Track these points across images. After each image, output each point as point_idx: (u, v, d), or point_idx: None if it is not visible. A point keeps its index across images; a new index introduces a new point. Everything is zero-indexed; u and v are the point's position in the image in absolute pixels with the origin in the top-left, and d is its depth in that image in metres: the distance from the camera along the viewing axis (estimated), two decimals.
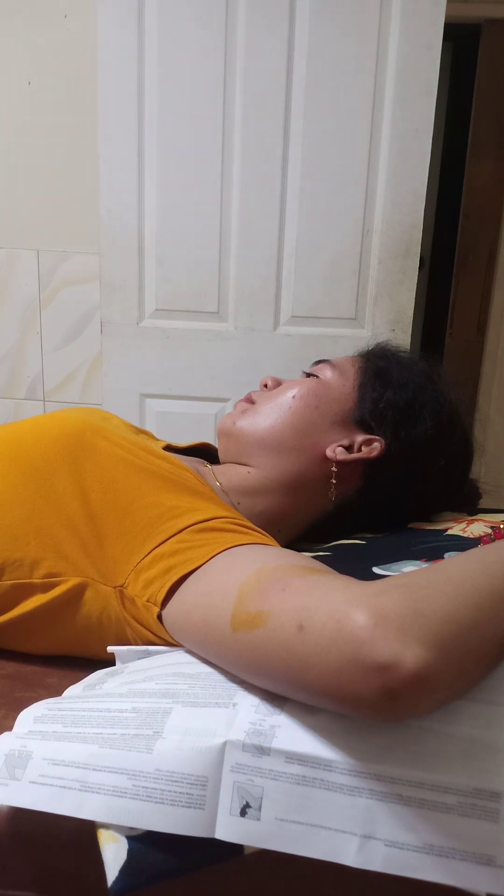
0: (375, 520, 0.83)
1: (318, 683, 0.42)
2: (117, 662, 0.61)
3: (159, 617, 0.58)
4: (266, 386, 0.85)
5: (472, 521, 0.78)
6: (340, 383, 0.81)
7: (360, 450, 0.78)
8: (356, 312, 1.56)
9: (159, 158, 1.50)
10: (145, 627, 0.61)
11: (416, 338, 2.38)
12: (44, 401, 1.92)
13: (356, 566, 0.66)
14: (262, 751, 0.43)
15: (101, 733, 0.47)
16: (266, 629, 0.47)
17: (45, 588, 0.64)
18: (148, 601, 0.59)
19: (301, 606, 0.46)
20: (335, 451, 0.78)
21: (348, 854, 0.41)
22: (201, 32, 1.43)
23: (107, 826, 0.43)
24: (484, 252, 2.06)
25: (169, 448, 0.85)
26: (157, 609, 0.58)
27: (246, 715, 0.46)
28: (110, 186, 1.52)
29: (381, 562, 0.68)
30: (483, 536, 0.73)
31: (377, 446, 0.78)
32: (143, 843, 0.43)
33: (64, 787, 0.44)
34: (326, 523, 0.82)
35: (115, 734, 0.46)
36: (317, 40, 1.42)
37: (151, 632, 0.61)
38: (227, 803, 0.42)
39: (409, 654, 0.39)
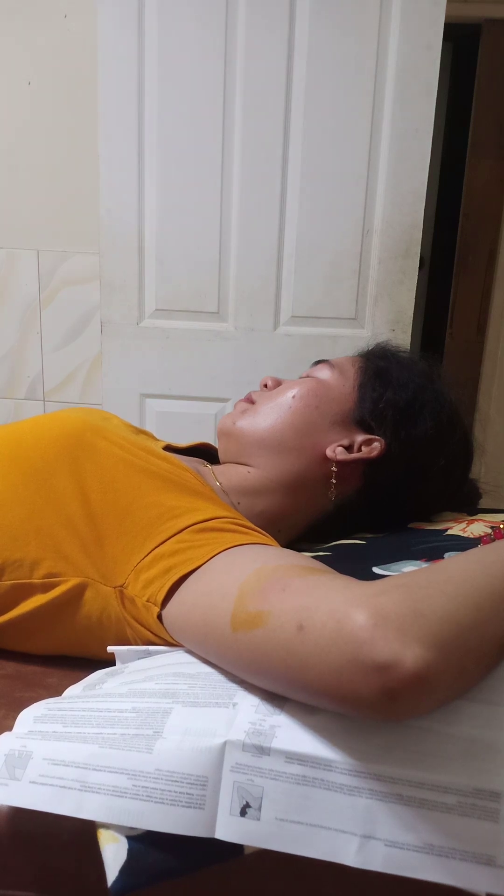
0: (375, 520, 0.83)
1: (318, 683, 0.42)
2: (117, 662, 0.61)
3: (159, 617, 0.58)
4: (266, 386, 0.85)
5: (472, 521, 0.78)
6: (340, 383, 0.81)
7: (360, 450, 0.78)
8: (356, 312, 1.56)
9: (159, 158, 1.50)
10: (145, 627, 0.61)
11: (416, 338, 2.38)
12: (44, 401, 1.92)
13: (356, 566, 0.66)
14: (262, 751, 0.43)
15: (101, 733, 0.47)
16: (266, 629, 0.47)
17: (45, 588, 0.64)
18: (148, 601, 0.59)
19: (301, 606, 0.46)
20: (335, 451, 0.78)
21: (348, 854, 0.41)
22: (201, 32, 1.43)
23: (107, 826, 0.43)
24: (484, 252, 2.06)
25: (169, 448, 0.85)
26: (157, 609, 0.58)
27: (246, 715, 0.46)
28: (110, 186, 1.52)
29: (381, 562, 0.68)
30: (483, 536, 0.73)
31: (377, 446, 0.78)
32: (143, 843, 0.43)
33: (64, 787, 0.44)
34: (326, 523, 0.82)
35: (115, 734, 0.46)
36: (317, 40, 1.42)
37: (151, 632, 0.61)
38: (227, 803, 0.42)
39: (409, 654, 0.39)
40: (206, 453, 0.90)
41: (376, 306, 1.55)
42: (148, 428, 1.64)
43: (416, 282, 1.54)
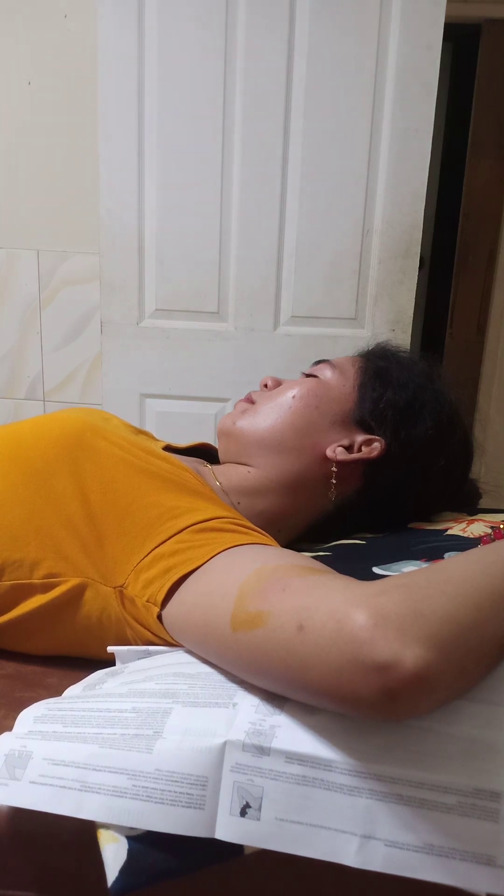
0: (375, 520, 0.83)
1: (318, 683, 0.42)
2: (117, 662, 0.61)
3: (159, 617, 0.58)
4: (266, 386, 0.85)
5: (472, 521, 0.78)
6: (340, 383, 0.81)
7: (360, 450, 0.78)
8: (356, 312, 1.56)
9: (159, 158, 1.50)
10: (145, 627, 0.61)
11: (416, 338, 2.38)
12: (44, 401, 1.92)
13: (356, 566, 0.66)
14: (262, 751, 0.43)
15: (101, 733, 0.47)
16: (266, 629, 0.47)
17: (45, 588, 0.64)
18: (148, 601, 0.59)
19: (301, 606, 0.46)
20: (335, 451, 0.78)
21: (348, 854, 0.41)
22: (201, 32, 1.43)
23: (107, 826, 0.43)
24: (484, 252, 2.06)
25: (169, 448, 0.85)
26: (156, 609, 0.58)
27: (246, 715, 0.46)
28: (110, 186, 1.52)
29: (381, 562, 0.68)
30: (483, 536, 0.73)
31: (377, 446, 0.78)
32: (143, 843, 0.43)
33: (64, 787, 0.44)
34: (326, 523, 0.82)
35: (115, 734, 0.46)
36: (317, 40, 1.42)
37: (151, 632, 0.61)
38: (227, 803, 0.42)
39: (409, 654, 0.39)
40: (205, 453, 0.90)
41: (376, 306, 1.55)
42: (148, 428, 1.64)
43: (416, 282, 1.54)
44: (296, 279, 1.55)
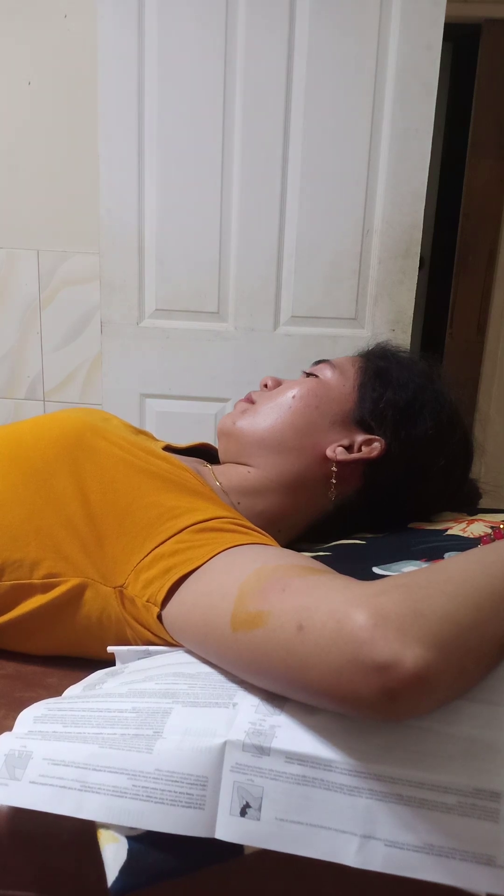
0: (375, 520, 0.83)
1: (318, 683, 0.42)
2: (117, 662, 0.61)
3: (159, 617, 0.58)
4: (266, 386, 0.85)
5: (472, 521, 0.78)
6: (340, 383, 0.81)
7: (360, 450, 0.78)
8: (356, 312, 1.56)
9: (159, 158, 1.50)
10: (145, 627, 0.61)
11: (416, 338, 2.38)
12: (44, 401, 1.92)
13: (356, 566, 0.66)
14: (262, 751, 0.43)
15: (101, 733, 0.47)
16: (266, 629, 0.47)
17: (45, 588, 0.64)
18: (148, 601, 0.59)
19: (301, 606, 0.46)
20: (335, 451, 0.78)
21: (348, 854, 0.41)
22: (201, 32, 1.43)
23: (107, 826, 0.43)
24: (484, 252, 2.06)
25: (168, 448, 0.85)
26: (156, 609, 0.58)
27: (246, 715, 0.46)
28: (110, 186, 1.52)
29: (381, 562, 0.68)
30: (483, 536, 0.73)
31: (377, 446, 0.78)
32: (143, 843, 0.43)
33: (64, 787, 0.44)
34: (326, 523, 0.82)
35: (115, 734, 0.46)
36: (317, 40, 1.42)
37: (151, 632, 0.61)
38: (227, 803, 0.42)
39: (409, 654, 0.39)
40: (205, 453, 0.90)
41: (376, 306, 1.55)
42: (148, 428, 1.64)
43: (416, 282, 1.54)
44: (296, 279, 1.55)
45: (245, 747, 0.43)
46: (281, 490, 0.79)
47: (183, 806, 0.42)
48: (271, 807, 0.42)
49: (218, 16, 1.42)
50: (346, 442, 0.78)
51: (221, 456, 0.85)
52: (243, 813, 0.42)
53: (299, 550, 0.70)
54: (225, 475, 0.80)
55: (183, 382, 1.62)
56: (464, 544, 0.71)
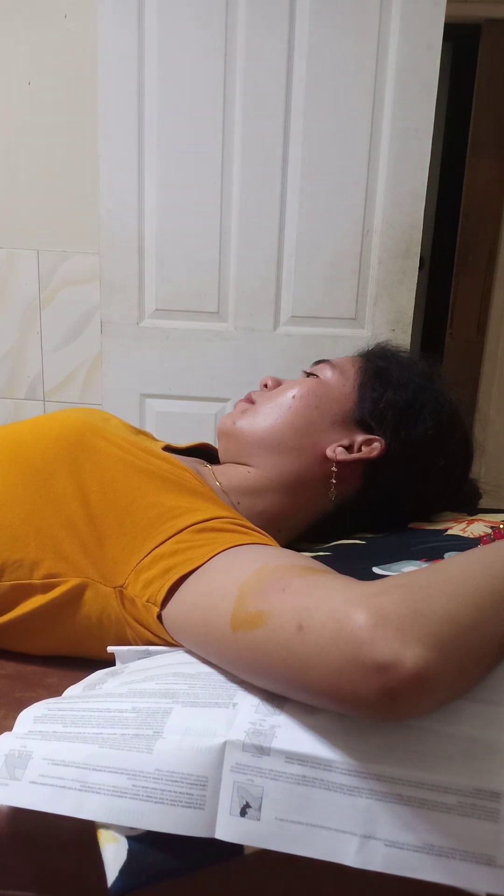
0: (375, 520, 0.83)
1: (318, 683, 0.42)
2: (117, 662, 0.61)
3: (159, 617, 0.58)
4: (266, 386, 0.85)
5: (472, 521, 0.78)
6: (340, 383, 0.81)
7: (360, 450, 0.78)
8: (356, 312, 1.56)
9: (159, 158, 1.50)
10: (145, 627, 0.61)
11: (416, 338, 2.38)
12: (44, 401, 1.92)
13: (356, 566, 0.66)
14: (262, 751, 0.43)
15: (100, 733, 0.47)
16: (266, 629, 0.47)
17: (45, 589, 0.64)
18: (148, 601, 0.59)
19: (301, 606, 0.46)
20: (335, 451, 0.78)
21: (348, 854, 0.41)
22: (201, 32, 1.43)
23: (107, 826, 0.43)
24: (484, 252, 2.06)
25: (168, 448, 0.85)
26: (156, 609, 0.58)
27: (246, 715, 0.46)
28: (110, 186, 1.52)
29: (381, 562, 0.68)
30: (483, 536, 0.73)
31: (377, 446, 0.78)
32: (143, 843, 0.43)
33: (64, 787, 0.44)
34: (326, 523, 0.82)
35: (115, 734, 0.46)
36: (317, 40, 1.42)
37: (151, 632, 0.61)
38: (227, 803, 0.42)
39: (408, 654, 0.39)
40: (205, 453, 0.90)
41: (376, 306, 1.55)
42: (148, 428, 1.64)
43: (416, 282, 1.54)
44: (296, 279, 1.55)
45: (245, 747, 0.43)
46: (281, 490, 0.79)
47: (183, 806, 0.42)
48: (271, 807, 0.42)
49: (218, 16, 1.42)
50: (346, 442, 0.78)
51: (221, 456, 0.85)
52: (243, 813, 0.42)
53: (299, 550, 0.70)
54: (225, 475, 0.80)
55: (183, 382, 1.62)
56: (464, 544, 0.71)
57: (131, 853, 0.42)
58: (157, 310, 1.59)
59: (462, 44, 2.05)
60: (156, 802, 0.43)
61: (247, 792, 0.42)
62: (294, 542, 0.84)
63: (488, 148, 2.00)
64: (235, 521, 0.64)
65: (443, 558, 0.66)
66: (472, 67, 1.99)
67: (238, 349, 1.59)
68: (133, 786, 0.43)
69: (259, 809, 0.42)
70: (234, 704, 0.47)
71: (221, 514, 0.64)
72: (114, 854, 0.43)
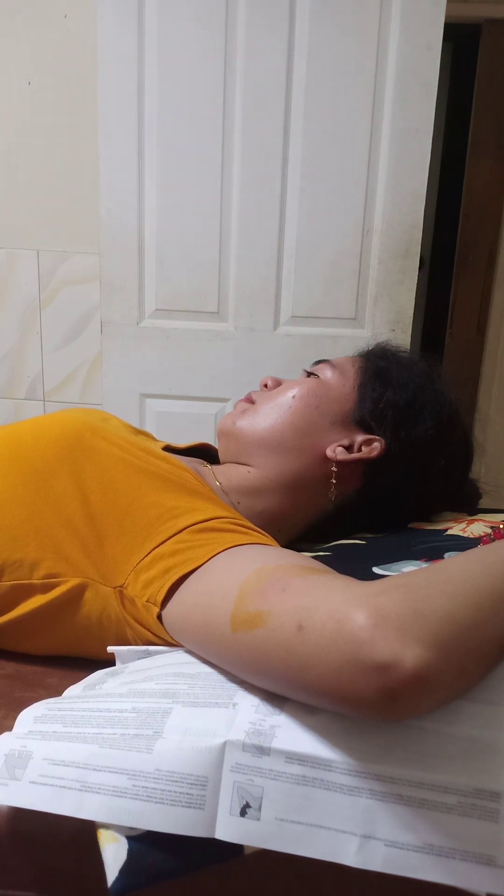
0: (375, 520, 0.83)
1: (318, 683, 0.42)
2: (117, 662, 0.61)
3: (159, 617, 0.58)
4: (266, 386, 0.85)
5: (472, 521, 0.78)
6: (340, 383, 0.81)
7: (360, 450, 0.78)
8: (356, 312, 1.56)
9: (159, 158, 1.50)
10: (145, 627, 0.61)
11: (416, 338, 2.38)
12: (44, 401, 1.92)
13: (356, 566, 0.66)
14: (262, 751, 0.43)
15: (100, 733, 0.47)
16: (266, 629, 0.47)
17: (45, 589, 0.64)
18: (148, 601, 0.59)
19: (301, 606, 0.46)
20: (335, 451, 0.78)
21: (348, 854, 0.41)
22: (201, 32, 1.43)
23: (107, 826, 0.43)
24: (484, 252, 2.06)
25: (168, 448, 0.85)
26: (156, 609, 0.58)
27: (246, 715, 0.46)
28: (110, 186, 1.52)
29: (381, 562, 0.68)
30: (483, 536, 0.73)
31: (377, 446, 0.78)
32: (143, 843, 0.43)
33: (64, 787, 0.44)
34: (326, 523, 0.82)
35: (115, 734, 0.46)
36: (317, 40, 1.42)
37: (151, 632, 0.61)
38: (227, 803, 0.42)
39: (408, 654, 0.39)
40: (205, 453, 0.90)
41: (376, 306, 1.55)
42: (148, 428, 1.64)
43: (416, 282, 1.54)
44: (296, 279, 1.55)
45: (245, 747, 0.43)
46: (281, 490, 0.79)
47: (183, 806, 0.42)
48: (271, 807, 0.42)
49: (218, 16, 1.42)
50: (346, 442, 0.78)
51: (221, 456, 0.85)
52: (243, 813, 0.42)
53: (299, 550, 0.70)
54: (225, 475, 0.80)
55: (183, 382, 1.62)
56: (464, 544, 0.71)
57: (131, 853, 0.43)
58: (157, 310, 1.59)
59: (462, 44, 2.05)
60: (156, 802, 0.43)
61: (247, 792, 0.42)
62: (294, 542, 0.84)
63: (488, 148, 2.00)
64: (235, 521, 0.64)
65: (443, 558, 0.66)
66: (472, 67, 1.99)
67: (238, 349, 1.59)
68: (133, 786, 0.43)
69: (259, 809, 0.42)
70: (234, 704, 0.47)
71: (221, 514, 0.64)
72: (114, 854, 0.43)
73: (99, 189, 1.52)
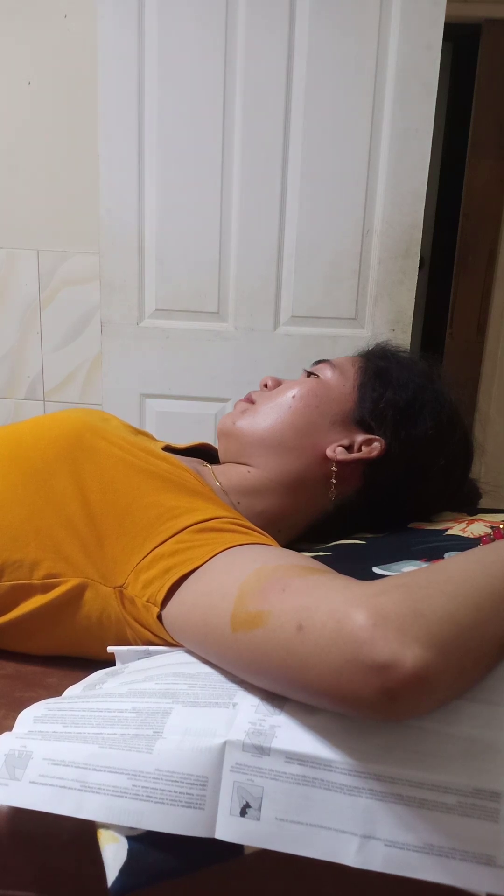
0: (375, 520, 0.83)
1: (318, 683, 0.42)
2: (117, 662, 0.61)
3: (159, 617, 0.58)
4: (266, 386, 0.85)
5: (472, 521, 0.78)
6: (340, 383, 0.81)
7: (360, 450, 0.78)
8: (356, 312, 1.56)
9: (159, 158, 1.50)
10: (145, 627, 0.61)
11: (416, 338, 2.38)
12: (44, 401, 1.92)
13: (356, 566, 0.66)
14: (262, 751, 0.43)
15: (101, 733, 0.47)
16: (266, 629, 0.47)
17: (45, 589, 0.64)
18: (148, 601, 0.59)
19: (301, 606, 0.46)
20: (335, 451, 0.78)
21: (348, 854, 0.41)
22: (201, 32, 1.43)
23: (107, 826, 0.43)
24: (484, 252, 2.06)
25: (168, 448, 0.85)
26: (156, 609, 0.58)
27: (246, 715, 0.46)
28: (110, 186, 1.52)
29: (381, 562, 0.68)
30: (483, 536, 0.73)
31: (377, 446, 0.78)
32: (143, 843, 0.43)
33: (64, 787, 0.44)
34: (326, 523, 0.82)
35: (115, 734, 0.46)
36: (317, 40, 1.42)
37: (151, 632, 0.61)
38: (227, 803, 0.42)
39: (408, 654, 0.39)
40: (205, 453, 0.90)
41: (376, 306, 1.55)
42: (148, 428, 1.64)
43: (416, 282, 1.54)
44: (296, 279, 1.55)
45: (245, 747, 0.43)
46: (281, 490, 0.79)
47: (183, 806, 0.42)
48: (271, 807, 0.42)
49: (218, 16, 1.42)
50: (346, 442, 0.78)
51: (221, 456, 0.85)
52: (243, 813, 0.42)
53: (299, 550, 0.70)
54: (225, 475, 0.80)
55: (183, 382, 1.62)
56: (464, 544, 0.71)
57: (131, 853, 0.43)
58: (157, 310, 1.59)
59: (462, 44, 2.05)
60: (156, 802, 0.43)
61: (247, 792, 0.42)
62: (294, 542, 0.84)
63: (488, 148, 2.00)
64: (235, 521, 0.64)
65: (443, 558, 0.66)
66: (472, 67, 1.99)
67: (238, 349, 1.59)
68: (133, 786, 0.43)
69: (259, 809, 0.42)
70: (234, 704, 0.47)
71: (221, 514, 0.64)
72: (114, 854, 0.43)
73: (99, 189, 1.52)
